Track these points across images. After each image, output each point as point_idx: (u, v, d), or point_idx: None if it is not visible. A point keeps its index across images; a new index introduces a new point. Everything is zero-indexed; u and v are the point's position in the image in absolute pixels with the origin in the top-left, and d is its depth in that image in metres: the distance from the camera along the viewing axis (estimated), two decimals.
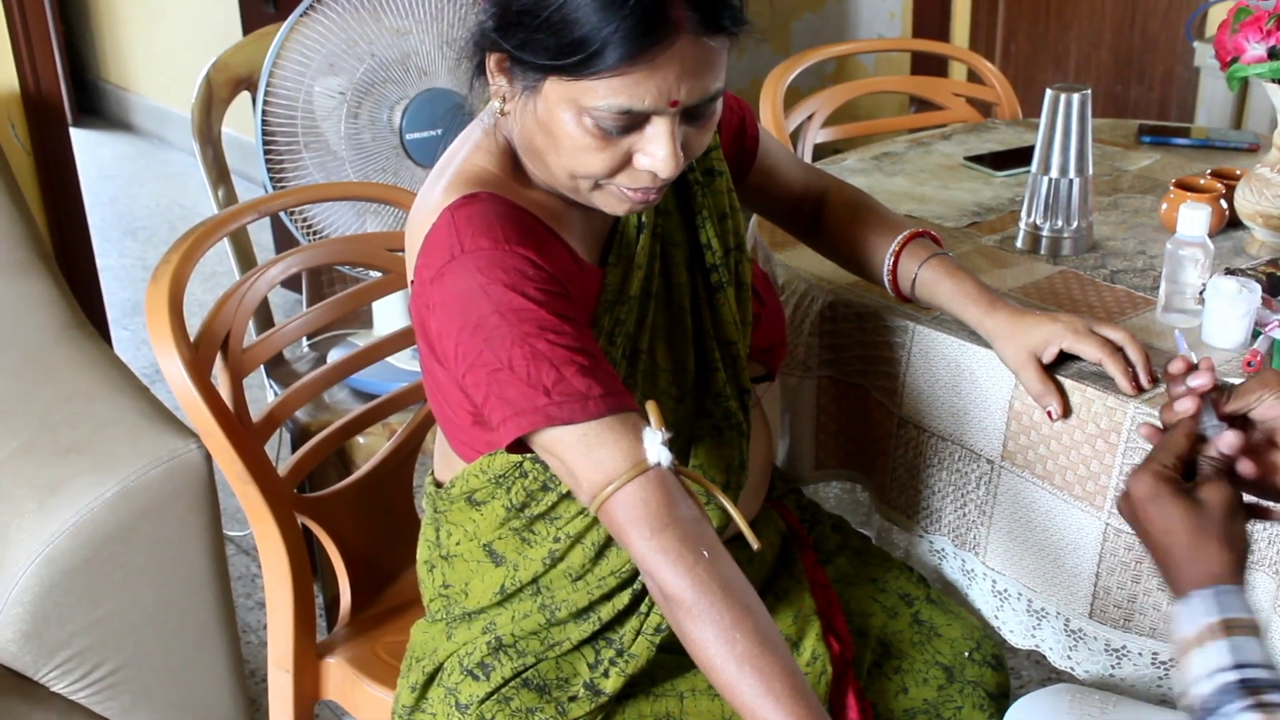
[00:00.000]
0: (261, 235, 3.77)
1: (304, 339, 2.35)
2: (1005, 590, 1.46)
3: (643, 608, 1.30)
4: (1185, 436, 1.07)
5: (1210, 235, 1.48)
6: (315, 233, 2.02)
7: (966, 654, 1.41)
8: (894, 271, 1.45)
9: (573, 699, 1.28)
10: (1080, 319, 1.34)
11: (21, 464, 1.62)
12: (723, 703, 1.30)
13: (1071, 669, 1.41)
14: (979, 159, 2.08)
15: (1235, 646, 0.92)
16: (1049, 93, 1.63)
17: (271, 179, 2.00)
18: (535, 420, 1.08)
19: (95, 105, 5.80)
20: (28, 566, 1.52)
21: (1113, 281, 1.59)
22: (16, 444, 1.65)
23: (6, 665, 1.56)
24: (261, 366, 1.81)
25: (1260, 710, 0.89)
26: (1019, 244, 1.71)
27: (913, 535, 1.57)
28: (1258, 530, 1.26)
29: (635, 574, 1.28)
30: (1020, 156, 2.04)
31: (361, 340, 2.22)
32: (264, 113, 1.96)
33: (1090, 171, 1.66)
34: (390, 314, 2.20)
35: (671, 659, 1.31)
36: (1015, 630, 1.46)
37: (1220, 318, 1.39)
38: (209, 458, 1.60)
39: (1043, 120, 1.65)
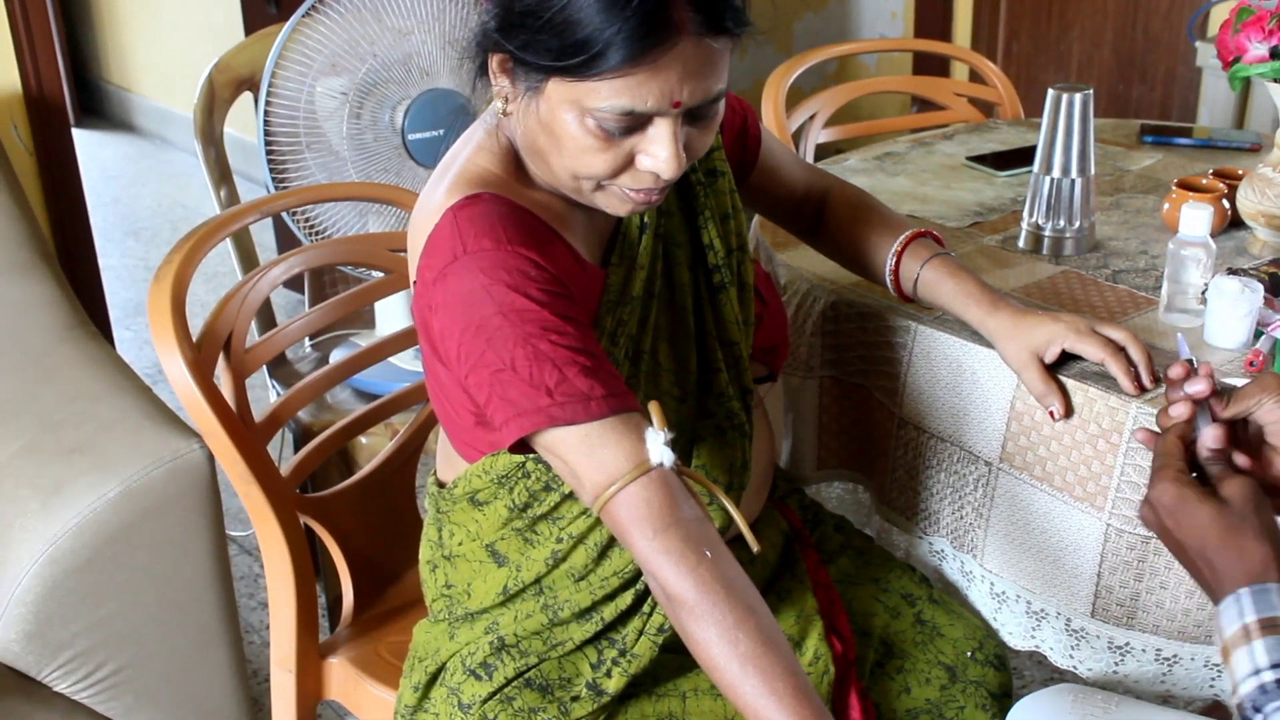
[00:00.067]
0: (264, 235, 3.78)
1: (306, 339, 2.35)
2: (1003, 592, 1.46)
3: (645, 608, 1.30)
4: (1179, 439, 1.08)
5: (1212, 235, 1.48)
6: (317, 233, 2.02)
7: (969, 654, 1.41)
8: (896, 271, 1.45)
9: (575, 699, 1.28)
10: (1082, 319, 1.34)
11: (24, 464, 1.62)
12: (725, 703, 1.30)
13: (1074, 668, 1.41)
14: (981, 159, 2.08)
15: (1276, 645, 0.92)
16: (1051, 93, 1.63)
17: (274, 179, 2.00)
18: (538, 421, 1.08)
19: (97, 106, 5.80)
20: (31, 566, 1.52)
21: (1115, 281, 1.59)
22: (19, 444, 1.65)
23: (9, 665, 1.56)
24: (264, 367, 1.81)
25: None
26: (1021, 244, 1.71)
27: (912, 536, 1.57)
28: None
29: (638, 574, 1.29)
30: (1022, 156, 2.04)
31: (364, 340, 2.22)
32: (266, 113, 1.96)
33: (1092, 171, 1.65)
34: (392, 314, 2.21)
35: (674, 659, 1.31)
36: (1014, 632, 1.46)
37: (1222, 318, 1.39)
38: (211, 458, 1.60)
39: (1045, 120, 1.65)
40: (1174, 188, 1.74)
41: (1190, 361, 1.14)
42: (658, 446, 1.08)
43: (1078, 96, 1.61)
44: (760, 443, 1.40)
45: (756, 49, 4.33)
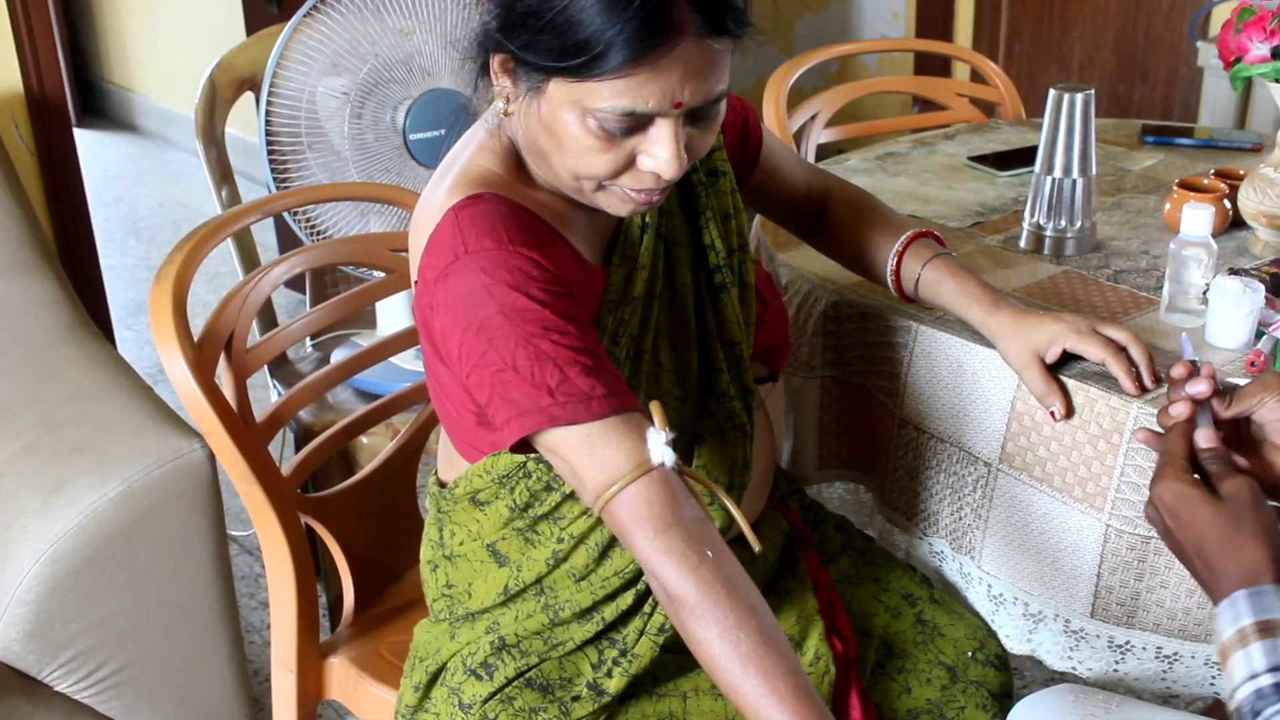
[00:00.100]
0: (265, 235, 3.78)
1: (307, 339, 2.35)
2: (1001, 594, 1.45)
3: (646, 608, 1.30)
4: (1182, 438, 1.08)
5: (1214, 235, 1.47)
6: (319, 233, 2.02)
7: (970, 654, 1.41)
8: (897, 271, 1.45)
9: (576, 699, 1.28)
10: (1083, 319, 1.34)
11: (25, 464, 1.62)
12: (726, 703, 1.30)
13: (1073, 669, 1.41)
14: (982, 159, 2.08)
15: (1273, 648, 0.91)
16: (1052, 93, 1.63)
17: (275, 179, 2.00)
18: (539, 420, 1.08)
19: (99, 106, 5.80)
20: (31, 566, 1.52)
21: (1116, 281, 1.59)
22: (20, 444, 1.65)
23: (10, 665, 1.56)
24: (265, 366, 1.81)
25: None
26: (1022, 244, 1.71)
27: (913, 537, 1.57)
28: None
29: (639, 574, 1.29)
30: (1023, 156, 2.04)
31: (365, 340, 2.22)
32: (267, 113, 1.96)
33: (1094, 171, 1.65)
34: (394, 314, 2.21)
35: (675, 659, 1.31)
36: (1011, 635, 1.45)
37: (1224, 318, 1.39)
38: (212, 458, 1.60)
39: (1046, 120, 1.65)
40: (1175, 188, 1.74)
41: (1193, 362, 1.14)
42: (659, 446, 1.08)
43: (1079, 96, 1.61)
44: (761, 443, 1.40)
45: (758, 49, 4.33)
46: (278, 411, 1.54)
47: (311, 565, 1.52)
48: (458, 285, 1.12)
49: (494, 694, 1.29)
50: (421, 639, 1.39)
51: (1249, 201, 1.64)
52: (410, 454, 1.70)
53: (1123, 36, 3.89)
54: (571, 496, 1.26)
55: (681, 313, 1.31)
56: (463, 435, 1.29)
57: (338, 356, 2.22)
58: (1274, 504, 1.09)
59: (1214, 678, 1.36)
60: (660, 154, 1.11)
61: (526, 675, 1.29)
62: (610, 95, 1.07)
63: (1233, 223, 1.73)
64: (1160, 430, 1.15)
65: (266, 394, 2.35)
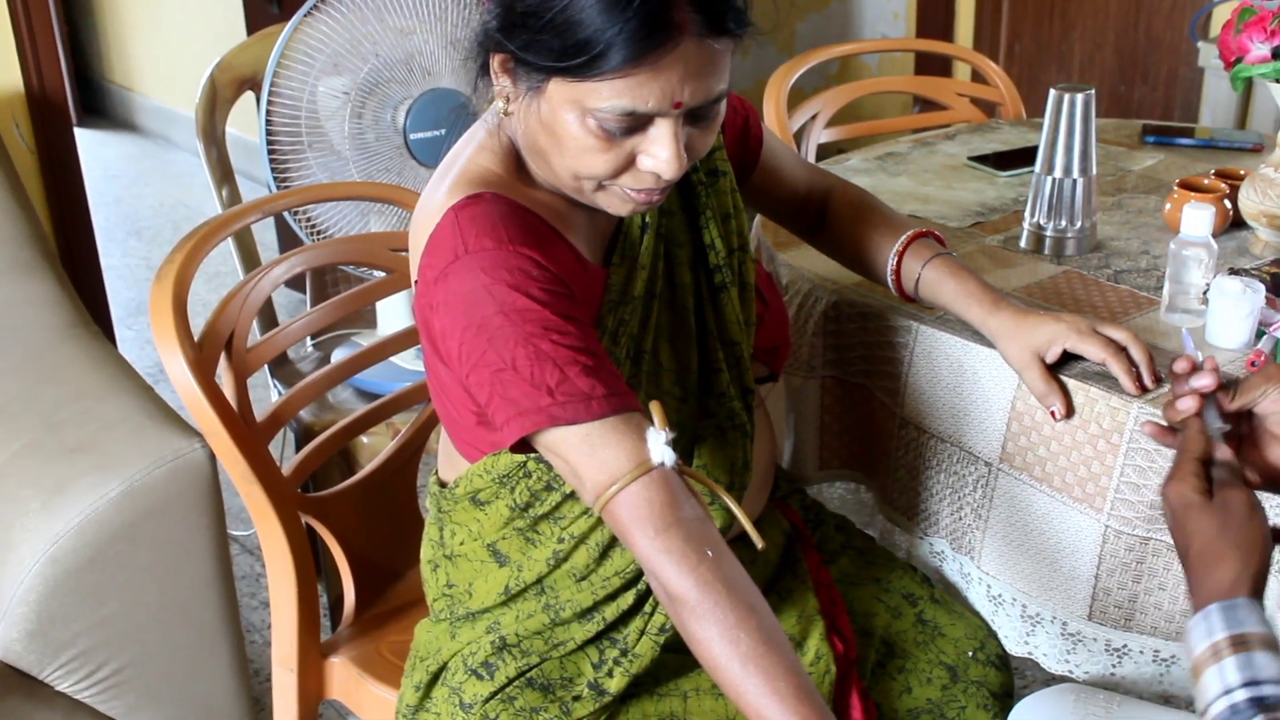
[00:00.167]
0: (265, 235, 3.78)
1: (308, 339, 2.35)
2: (1000, 595, 1.46)
3: (647, 608, 1.30)
4: (1200, 435, 1.07)
5: (1214, 235, 1.48)
6: (319, 232, 2.03)
7: (970, 654, 1.41)
8: (897, 271, 1.45)
9: (577, 698, 1.28)
10: (1084, 319, 1.34)
11: (26, 463, 1.62)
12: (727, 702, 1.30)
13: (1070, 672, 1.41)
14: (983, 159, 2.08)
15: (1246, 662, 0.90)
16: (1053, 93, 1.63)
17: (275, 179, 2.00)
18: (539, 420, 1.08)
19: (100, 105, 5.80)
20: (32, 566, 1.52)
21: (1116, 281, 1.59)
22: (21, 443, 1.65)
23: (11, 664, 1.56)
24: (265, 366, 1.81)
25: None
26: (1022, 244, 1.71)
27: (913, 537, 1.57)
28: None
29: (639, 574, 1.29)
30: (1024, 156, 2.04)
31: (365, 340, 2.23)
32: (268, 112, 1.96)
33: (1094, 171, 1.65)
34: (394, 314, 2.21)
35: (675, 659, 1.31)
36: (1010, 636, 1.45)
37: (1224, 318, 1.39)
38: (213, 457, 1.60)
39: (1046, 120, 1.65)
40: (1176, 188, 1.74)
41: (1194, 357, 1.14)
42: (659, 446, 1.08)
43: (1079, 97, 1.61)
44: (761, 443, 1.40)
45: (758, 49, 4.32)
46: (278, 411, 1.54)
47: (312, 565, 1.52)
48: (458, 285, 1.12)
49: (495, 694, 1.29)
50: (422, 639, 1.39)
51: (1249, 202, 1.64)
52: (411, 454, 1.70)
53: (1123, 37, 3.89)
54: (572, 496, 1.26)
55: (682, 313, 1.31)
56: (463, 435, 1.29)
57: (338, 356, 2.22)
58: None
59: None
60: (660, 154, 1.11)
61: (527, 675, 1.29)
62: (610, 95, 1.07)
63: (1233, 223, 1.73)
64: (1164, 424, 1.15)
65: (267, 394, 2.35)
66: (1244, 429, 1.12)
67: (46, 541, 1.52)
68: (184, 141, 5.21)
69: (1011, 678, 1.44)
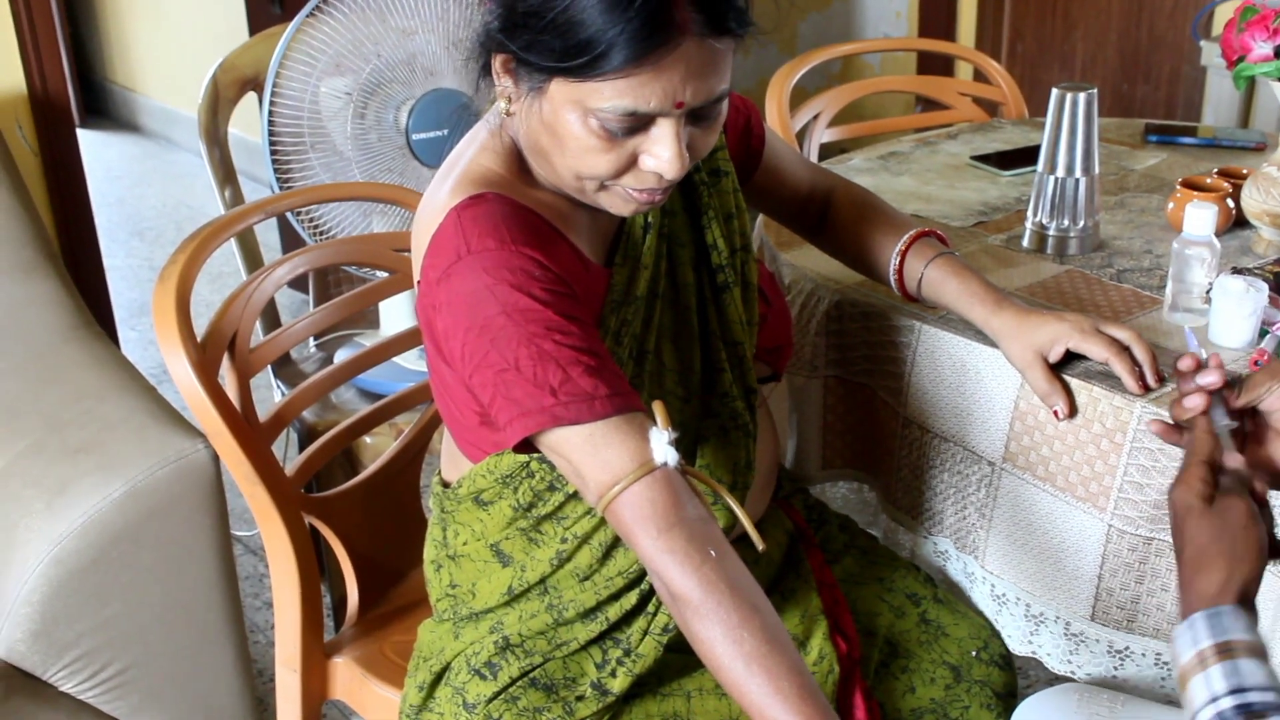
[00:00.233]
0: (268, 235, 3.78)
1: (311, 339, 2.35)
2: (1004, 594, 1.45)
3: (650, 608, 1.30)
4: (1208, 434, 1.07)
5: (1217, 234, 1.48)
6: (322, 233, 2.03)
7: (974, 653, 1.41)
8: (900, 271, 1.45)
9: (580, 699, 1.28)
10: (1087, 318, 1.34)
11: (29, 464, 1.62)
12: (730, 702, 1.30)
13: (1072, 673, 1.41)
14: (985, 158, 2.08)
15: (1232, 670, 0.90)
16: (1055, 92, 1.63)
17: (278, 179, 2.00)
18: (542, 420, 1.08)
19: (102, 106, 5.81)
20: (36, 566, 1.52)
21: (1119, 281, 1.59)
22: (24, 444, 1.65)
23: (15, 665, 1.57)
24: (268, 367, 1.81)
25: None
26: (1025, 243, 1.70)
27: (917, 536, 1.57)
28: None
29: (642, 574, 1.29)
30: (1026, 156, 2.04)
31: (368, 340, 2.23)
32: (270, 113, 1.97)
33: (1096, 171, 1.65)
34: (397, 314, 2.21)
35: (679, 659, 1.31)
36: (1013, 635, 1.45)
37: (1227, 317, 1.39)
38: (216, 458, 1.60)
39: (1049, 119, 1.65)
40: (1178, 187, 1.73)
41: (1199, 355, 1.14)
42: (661, 446, 1.08)
43: (1082, 96, 1.61)
44: (764, 443, 1.40)
45: (760, 49, 4.33)
46: (281, 411, 1.54)
47: (315, 565, 1.52)
48: (460, 285, 1.12)
49: (498, 694, 1.29)
50: (425, 639, 1.39)
51: (1252, 200, 1.64)
52: (414, 454, 1.70)
53: (1125, 36, 3.89)
54: (575, 496, 1.26)
55: (684, 313, 1.31)
56: (466, 435, 1.29)
57: (341, 356, 2.22)
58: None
59: None
60: (662, 154, 1.11)
61: (530, 675, 1.29)
62: (612, 95, 1.07)
63: (1236, 222, 1.73)
64: (1171, 422, 1.15)
65: (270, 394, 2.36)
66: (1248, 426, 1.12)
67: (50, 542, 1.53)
68: (186, 142, 5.22)
69: (1015, 677, 1.43)
